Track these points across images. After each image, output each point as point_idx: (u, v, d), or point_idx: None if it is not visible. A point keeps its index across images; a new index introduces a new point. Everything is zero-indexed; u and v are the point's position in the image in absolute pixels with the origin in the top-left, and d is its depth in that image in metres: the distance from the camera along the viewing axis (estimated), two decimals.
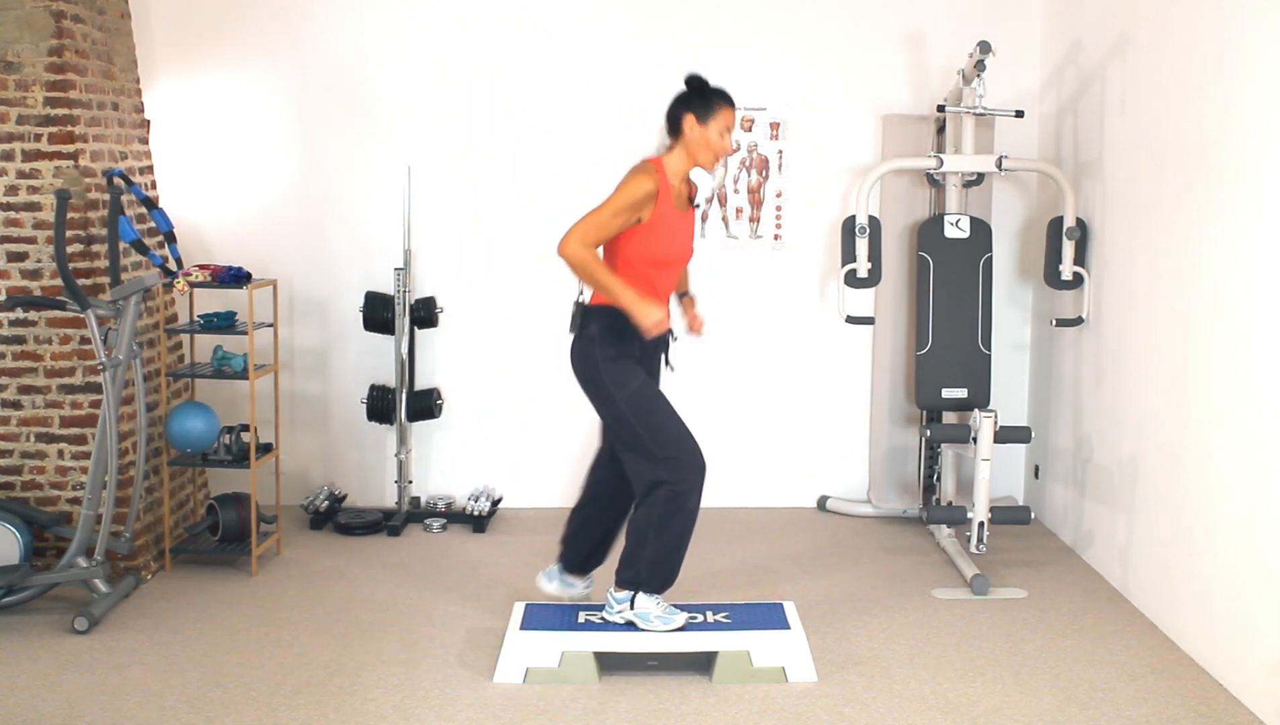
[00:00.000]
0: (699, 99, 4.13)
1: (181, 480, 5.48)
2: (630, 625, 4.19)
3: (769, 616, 4.30)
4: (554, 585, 4.55)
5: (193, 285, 5.06)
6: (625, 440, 4.17)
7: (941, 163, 5.48)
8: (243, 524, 5.19)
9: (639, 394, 4.12)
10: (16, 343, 4.94)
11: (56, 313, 4.88)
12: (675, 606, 4.25)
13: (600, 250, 4.10)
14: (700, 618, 4.26)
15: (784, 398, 6.15)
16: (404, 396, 5.81)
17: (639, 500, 4.20)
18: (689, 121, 4.12)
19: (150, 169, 5.51)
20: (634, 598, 4.19)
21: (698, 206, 4.40)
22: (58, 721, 3.79)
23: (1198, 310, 4.34)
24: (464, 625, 4.58)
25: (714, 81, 4.18)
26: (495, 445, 6.13)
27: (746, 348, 6.06)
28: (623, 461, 4.23)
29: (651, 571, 4.17)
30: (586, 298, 4.15)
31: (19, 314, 4.91)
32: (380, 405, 5.82)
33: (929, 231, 5.50)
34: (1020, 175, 5.97)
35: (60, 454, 4.98)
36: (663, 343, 4.30)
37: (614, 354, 4.12)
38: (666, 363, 4.37)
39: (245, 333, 5.11)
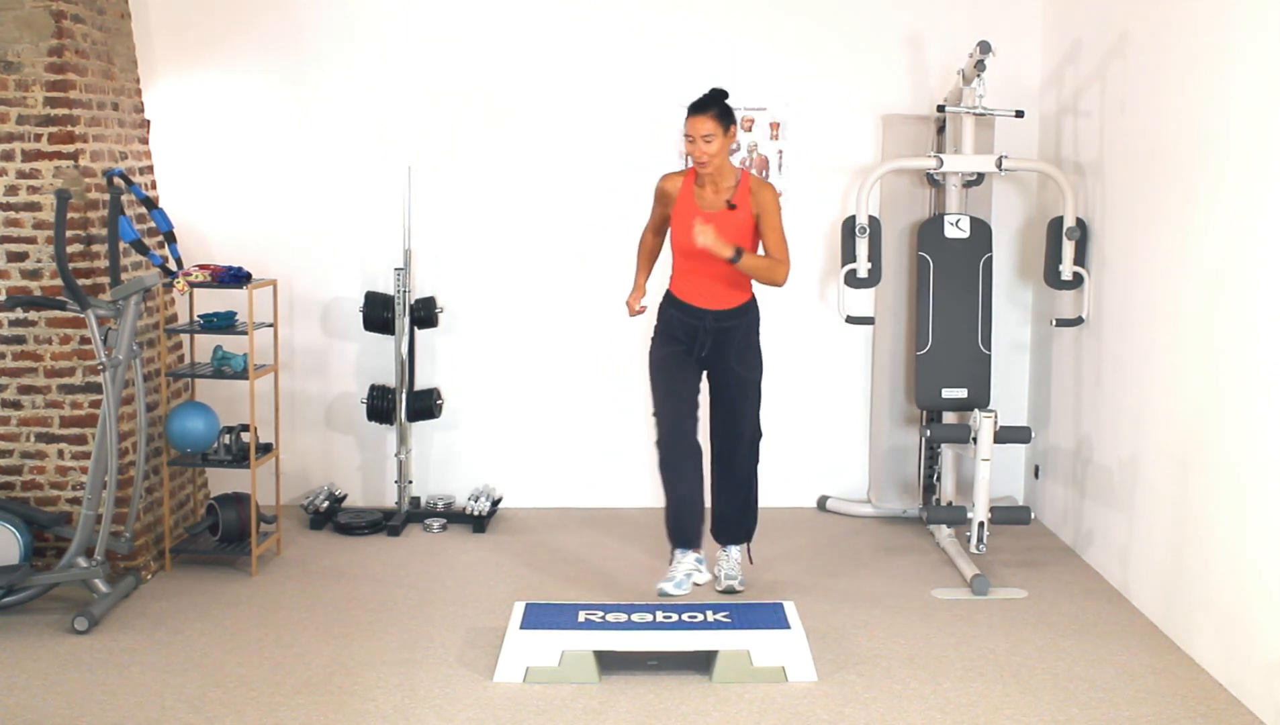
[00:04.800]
0: None
1: (181, 480, 5.48)
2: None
3: (769, 616, 4.29)
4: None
5: (193, 285, 5.06)
6: None
7: (941, 163, 5.47)
8: (243, 524, 5.19)
9: (653, 362, 4.81)
10: (16, 343, 4.94)
11: (56, 313, 4.87)
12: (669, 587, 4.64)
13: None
14: (700, 617, 4.27)
15: (784, 398, 6.14)
16: (404, 396, 5.81)
17: None
18: None
19: (150, 169, 5.51)
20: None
21: (733, 207, 4.68)
22: (58, 721, 3.79)
23: (1198, 310, 4.34)
24: (464, 625, 4.58)
25: (708, 85, 4.60)
26: (495, 445, 6.13)
27: None
28: None
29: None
30: None
31: (19, 314, 4.91)
32: (380, 405, 5.82)
33: (929, 231, 5.50)
34: (1020, 175, 5.97)
35: (60, 454, 4.98)
36: (697, 326, 4.71)
37: (657, 328, 4.84)
38: (702, 342, 4.72)
39: (245, 333, 5.11)
